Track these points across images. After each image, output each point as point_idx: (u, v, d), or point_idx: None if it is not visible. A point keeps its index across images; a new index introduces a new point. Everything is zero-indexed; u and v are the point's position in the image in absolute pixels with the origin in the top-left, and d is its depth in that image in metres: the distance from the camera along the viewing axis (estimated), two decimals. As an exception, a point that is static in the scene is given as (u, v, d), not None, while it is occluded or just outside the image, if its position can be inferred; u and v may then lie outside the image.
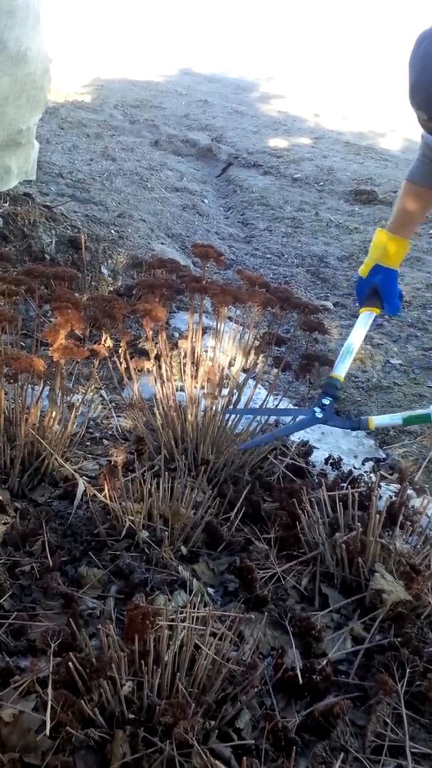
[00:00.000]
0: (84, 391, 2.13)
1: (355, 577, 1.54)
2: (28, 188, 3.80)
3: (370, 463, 2.31)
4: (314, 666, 1.29)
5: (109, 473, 1.60)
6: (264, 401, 2.04)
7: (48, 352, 1.65)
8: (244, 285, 1.96)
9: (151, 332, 1.85)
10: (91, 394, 2.29)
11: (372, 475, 2.08)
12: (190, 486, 1.67)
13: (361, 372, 3.08)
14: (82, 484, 1.71)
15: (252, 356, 1.99)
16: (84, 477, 1.77)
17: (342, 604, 1.51)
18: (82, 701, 1.09)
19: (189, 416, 1.91)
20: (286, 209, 5.35)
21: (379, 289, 1.88)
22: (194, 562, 1.60)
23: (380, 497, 1.79)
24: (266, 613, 1.46)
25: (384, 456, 2.43)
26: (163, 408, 1.93)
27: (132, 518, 1.59)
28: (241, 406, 1.96)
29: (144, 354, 2.30)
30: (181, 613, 1.24)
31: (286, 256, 4.52)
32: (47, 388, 1.80)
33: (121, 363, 1.87)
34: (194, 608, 1.26)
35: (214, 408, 1.89)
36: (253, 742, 1.15)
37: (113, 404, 2.32)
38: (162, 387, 1.93)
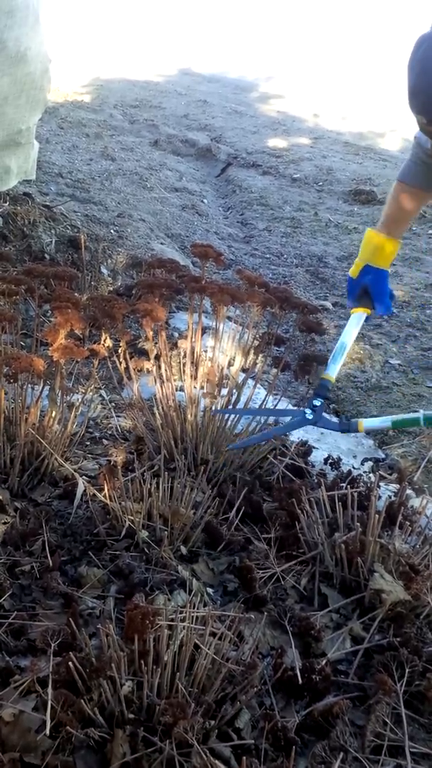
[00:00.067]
0: (84, 390, 2.13)
1: (355, 577, 1.54)
2: (27, 188, 3.80)
3: (370, 463, 2.31)
4: (313, 666, 1.29)
5: (108, 473, 1.60)
6: (263, 401, 2.04)
7: (48, 352, 1.65)
8: (244, 285, 1.96)
9: (150, 332, 1.85)
10: (91, 393, 2.29)
11: (371, 475, 2.09)
12: (189, 486, 1.67)
13: (360, 372, 3.08)
14: (81, 484, 1.71)
15: (251, 356, 1.99)
16: (84, 477, 1.77)
17: (341, 604, 1.52)
18: (82, 701, 1.09)
19: (188, 416, 1.91)
20: (285, 209, 5.35)
21: (369, 290, 1.88)
22: (194, 561, 1.60)
23: (379, 497, 1.79)
24: (266, 613, 1.46)
25: (383, 456, 2.44)
26: (162, 408, 1.94)
27: (132, 518, 1.59)
28: (240, 405, 1.96)
29: (143, 354, 2.30)
30: (181, 612, 1.24)
31: (285, 256, 4.52)
32: (47, 387, 1.80)
33: (120, 363, 1.87)
34: (194, 608, 1.26)
35: (213, 408, 1.90)
36: (253, 741, 1.15)
37: (113, 404, 2.32)
38: (161, 387, 1.93)
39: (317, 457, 2.14)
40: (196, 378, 1.94)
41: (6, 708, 1.11)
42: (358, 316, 1.91)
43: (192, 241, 4.27)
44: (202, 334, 1.99)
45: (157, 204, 4.87)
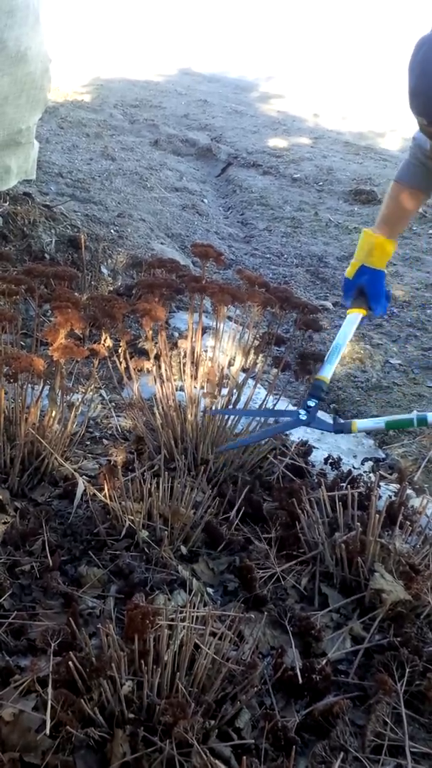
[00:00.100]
0: (84, 390, 2.13)
1: (355, 576, 1.54)
2: (27, 188, 3.80)
3: (370, 463, 2.31)
4: (314, 665, 1.29)
5: (108, 473, 1.60)
6: (263, 401, 2.04)
7: (48, 352, 1.65)
8: (244, 285, 1.96)
9: (150, 332, 1.85)
10: (91, 393, 2.29)
11: (371, 474, 2.09)
12: (189, 486, 1.67)
13: (360, 372, 3.08)
14: (81, 484, 1.71)
15: (251, 356, 1.99)
16: (84, 476, 1.77)
17: (341, 603, 1.52)
18: (82, 700, 1.09)
19: (189, 416, 1.91)
20: (285, 209, 5.35)
21: (365, 290, 1.88)
22: (194, 561, 1.60)
23: (380, 497, 1.79)
24: (266, 613, 1.46)
25: (383, 456, 2.44)
26: (162, 408, 1.94)
27: (132, 518, 1.59)
28: (240, 405, 1.96)
29: (144, 354, 2.30)
30: (181, 612, 1.24)
31: (285, 255, 4.52)
32: (47, 387, 1.80)
33: (120, 363, 1.87)
34: (194, 608, 1.26)
35: (212, 408, 1.89)
36: (253, 741, 1.15)
37: (113, 404, 2.32)
38: (161, 387, 1.93)
39: (317, 456, 2.14)
40: (196, 378, 1.94)
41: (6, 708, 1.11)
42: (353, 317, 1.91)
43: (192, 240, 4.27)
44: (202, 334, 1.99)
45: (157, 204, 4.87)
